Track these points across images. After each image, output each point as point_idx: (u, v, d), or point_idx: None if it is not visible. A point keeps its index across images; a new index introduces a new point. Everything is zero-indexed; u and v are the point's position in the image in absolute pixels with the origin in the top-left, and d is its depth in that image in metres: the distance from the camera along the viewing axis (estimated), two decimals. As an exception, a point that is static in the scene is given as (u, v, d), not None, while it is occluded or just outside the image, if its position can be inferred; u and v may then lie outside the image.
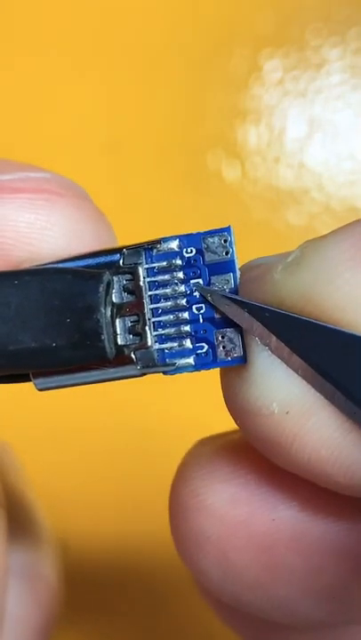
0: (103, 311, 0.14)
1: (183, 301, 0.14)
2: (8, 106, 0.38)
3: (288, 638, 0.18)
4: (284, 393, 0.13)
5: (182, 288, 0.14)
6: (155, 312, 0.14)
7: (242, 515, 0.15)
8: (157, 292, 0.14)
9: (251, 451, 0.15)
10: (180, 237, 0.15)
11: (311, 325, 0.13)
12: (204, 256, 0.14)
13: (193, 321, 0.14)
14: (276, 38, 0.38)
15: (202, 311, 0.14)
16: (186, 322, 0.14)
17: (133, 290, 0.14)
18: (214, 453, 0.16)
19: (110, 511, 0.36)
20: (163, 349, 0.14)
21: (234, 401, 0.14)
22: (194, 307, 0.14)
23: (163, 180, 0.39)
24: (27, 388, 0.25)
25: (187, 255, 0.14)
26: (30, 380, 0.15)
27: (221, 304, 0.14)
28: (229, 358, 0.14)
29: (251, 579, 0.15)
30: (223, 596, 0.16)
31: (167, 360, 0.14)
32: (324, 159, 0.39)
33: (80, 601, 0.36)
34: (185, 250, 0.14)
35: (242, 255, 0.15)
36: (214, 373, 0.15)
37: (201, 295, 0.14)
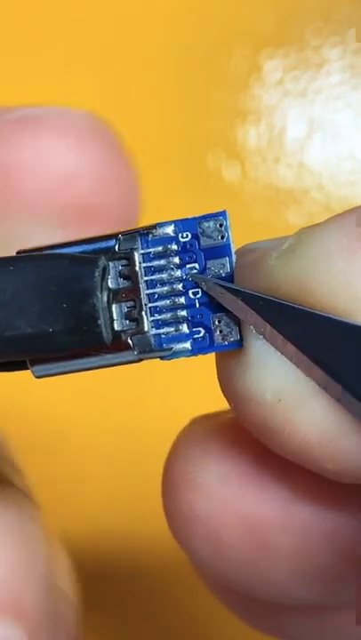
0: (99, 296, 0.14)
1: (179, 286, 0.14)
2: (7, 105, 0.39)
3: (282, 619, 0.18)
4: (277, 381, 0.13)
5: (178, 273, 0.14)
6: (151, 297, 0.14)
7: (232, 493, 0.15)
8: (153, 277, 0.14)
9: (243, 431, 0.15)
10: (176, 222, 0.15)
11: (305, 314, 0.13)
12: (200, 241, 0.14)
13: (189, 306, 0.14)
14: (276, 38, 0.38)
15: (198, 296, 0.14)
16: (182, 307, 0.14)
17: (129, 275, 0.14)
18: (207, 432, 0.16)
19: (110, 511, 0.36)
20: (159, 334, 0.14)
21: (228, 385, 0.14)
22: (190, 291, 0.14)
23: (163, 179, 0.39)
24: (25, 387, 0.25)
25: (182, 240, 0.14)
26: (28, 368, 0.15)
27: (215, 292, 0.14)
28: (226, 342, 0.14)
29: (240, 557, 0.15)
30: (213, 573, 0.16)
31: (164, 345, 0.14)
32: (325, 159, 0.39)
33: (79, 600, 0.36)
34: (180, 235, 0.14)
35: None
36: (213, 370, 0.15)
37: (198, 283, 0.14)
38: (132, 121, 0.39)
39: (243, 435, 0.15)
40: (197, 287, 0.14)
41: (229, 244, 0.14)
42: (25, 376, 0.16)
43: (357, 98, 0.39)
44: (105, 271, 0.14)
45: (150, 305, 0.14)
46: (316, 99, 0.39)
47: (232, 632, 0.35)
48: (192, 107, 0.39)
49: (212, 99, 0.39)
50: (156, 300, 0.14)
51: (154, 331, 0.14)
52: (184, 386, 0.33)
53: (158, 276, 0.14)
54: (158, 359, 0.15)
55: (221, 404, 0.16)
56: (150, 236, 0.14)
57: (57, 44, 0.39)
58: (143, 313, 0.14)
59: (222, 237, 0.14)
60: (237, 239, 0.15)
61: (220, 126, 0.39)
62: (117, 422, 0.37)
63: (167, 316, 0.14)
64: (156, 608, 0.36)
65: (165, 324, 0.14)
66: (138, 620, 0.36)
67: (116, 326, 0.14)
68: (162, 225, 0.15)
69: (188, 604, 0.35)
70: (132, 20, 0.39)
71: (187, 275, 0.14)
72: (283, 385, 0.13)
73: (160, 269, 0.14)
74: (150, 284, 0.14)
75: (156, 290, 0.14)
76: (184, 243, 0.14)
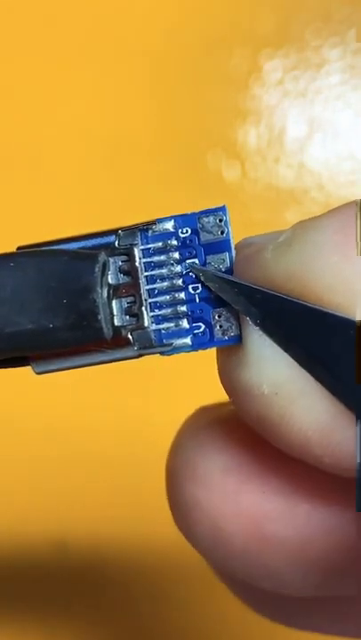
0: (99, 291, 0.14)
1: (179, 282, 0.14)
2: (8, 105, 0.39)
3: (285, 607, 0.18)
4: (273, 374, 0.14)
5: (178, 268, 0.14)
6: (151, 293, 0.14)
7: (232, 484, 0.15)
8: (153, 272, 0.14)
9: (245, 422, 0.15)
10: (176, 218, 0.15)
11: (301, 307, 0.13)
12: (200, 236, 0.14)
13: (189, 301, 0.14)
14: (276, 38, 0.38)
15: (198, 291, 0.14)
16: (182, 302, 0.14)
17: (129, 271, 0.14)
18: (209, 423, 0.16)
19: (110, 511, 0.36)
20: (160, 330, 0.14)
21: (227, 379, 0.14)
22: (190, 287, 0.14)
23: (163, 179, 0.39)
24: (24, 387, 0.25)
25: (182, 235, 0.14)
26: (28, 364, 0.15)
27: (213, 284, 0.14)
28: (226, 337, 0.14)
29: (239, 547, 0.15)
30: (214, 561, 0.17)
31: (164, 340, 0.14)
32: (325, 159, 0.39)
33: (80, 601, 0.36)
34: (180, 230, 0.14)
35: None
36: (213, 369, 0.15)
37: (196, 275, 0.14)
38: (132, 121, 0.39)
39: (244, 426, 0.15)
40: (197, 282, 0.14)
41: (229, 240, 0.14)
42: (26, 375, 0.16)
43: (357, 98, 0.39)
44: (105, 267, 0.14)
45: (150, 300, 0.14)
46: (316, 99, 0.39)
47: (232, 631, 0.35)
48: (192, 107, 0.39)
49: (212, 99, 0.39)
50: (156, 296, 0.14)
51: (154, 326, 0.14)
52: (185, 391, 0.33)
53: (158, 271, 0.14)
54: (158, 354, 0.15)
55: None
56: (150, 231, 0.14)
57: (57, 44, 0.39)
58: (143, 308, 0.14)
59: (222, 232, 0.14)
60: (237, 239, 0.15)
61: (220, 126, 0.39)
62: (118, 422, 0.37)
63: (167, 311, 0.14)
64: (157, 608, 0.36)
65: (165, 319, 0.14)
66: (138, 619, 0.36)
67: (117, 322, 0.14)
68: (161, 220, 0.14)
69: (188, 604, 0.35)
70: (133, 20, 0.39)
71: (188, 267, 0.14)
72: (279, 378, 0.13)
73: (160, 265, 0.14)
74: (150, 280, 0.14)
75: (156, 285, 0.14)
76: (184, 238, 0.14)
